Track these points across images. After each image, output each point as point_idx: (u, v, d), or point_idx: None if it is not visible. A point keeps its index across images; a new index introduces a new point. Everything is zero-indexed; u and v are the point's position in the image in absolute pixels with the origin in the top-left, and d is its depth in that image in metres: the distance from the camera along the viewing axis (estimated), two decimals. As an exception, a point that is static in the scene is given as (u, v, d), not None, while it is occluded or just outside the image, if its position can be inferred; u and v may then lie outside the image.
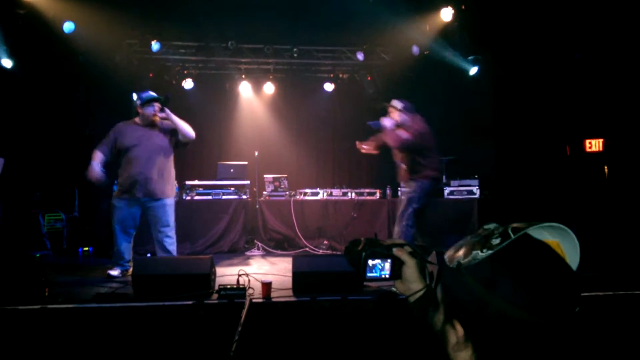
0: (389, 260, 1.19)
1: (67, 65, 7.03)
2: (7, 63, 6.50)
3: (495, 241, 0.78)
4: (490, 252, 0.77)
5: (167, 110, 4.67)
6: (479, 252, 0.78)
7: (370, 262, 1.18)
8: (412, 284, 1.17)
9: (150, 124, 4.72)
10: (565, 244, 0.82)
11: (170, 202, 4.73)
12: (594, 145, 7.47)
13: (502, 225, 0.83)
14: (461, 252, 0.82)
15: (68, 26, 6.47)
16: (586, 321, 0.75)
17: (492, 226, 0.84)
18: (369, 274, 1.19)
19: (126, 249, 4.70)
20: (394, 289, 1.20)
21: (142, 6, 6.56)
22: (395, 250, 1.19)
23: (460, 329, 0.76)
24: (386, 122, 4.90)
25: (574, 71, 7.07)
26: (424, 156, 4.74)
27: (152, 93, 4.80)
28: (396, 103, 4.92)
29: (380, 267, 1.19)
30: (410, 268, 1.17)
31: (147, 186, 4.57)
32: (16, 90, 6.95)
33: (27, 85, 7.03)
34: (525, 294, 0.71)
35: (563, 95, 7.25)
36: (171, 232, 4.71)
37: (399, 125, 4.83)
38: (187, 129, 4.73)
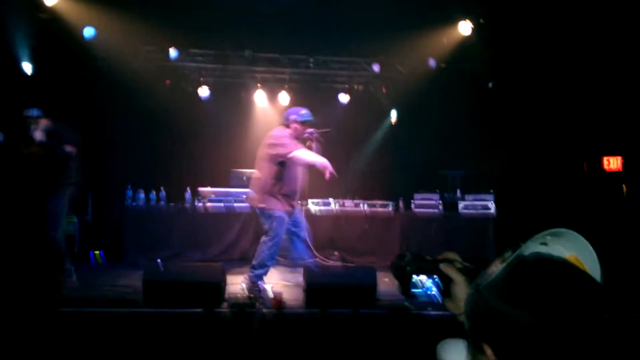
0: (436, 277, 1.12)
1: (85, 71, 7.10)
2: (28, 68, 6.57)
3: (508, 254, 0.78)
4: (504, 265, 0.75)
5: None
6: (494, 269, 0.77)
7: (416, 278, 1.12)
8: (463, 302, 1.07)
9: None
10: (583, 255, 0.82)
11: None
12: (612, 163, 7.34)
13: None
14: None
15: (88, 32, 6.54)
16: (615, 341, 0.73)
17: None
18: (414, 291, 1.12)
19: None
20: (406, 303, 1.14)
21: (161, 14, 6.62)
22: (442, 267, 1.12)
23: (488, 351, 0.72)
24: None
25: (592, 87, 6.97)
26: None
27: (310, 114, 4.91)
28: None
29: (427, 284, 1.12)
30: (460, 286, 1.09)
31: (298, 198, 4.83)
32: (35, 93, 7.02)
33: (46, 89, 7.10)
34: (547, 303, 0.68)
35: (581, 112, 7.14)
36: None
37: None
38: None
